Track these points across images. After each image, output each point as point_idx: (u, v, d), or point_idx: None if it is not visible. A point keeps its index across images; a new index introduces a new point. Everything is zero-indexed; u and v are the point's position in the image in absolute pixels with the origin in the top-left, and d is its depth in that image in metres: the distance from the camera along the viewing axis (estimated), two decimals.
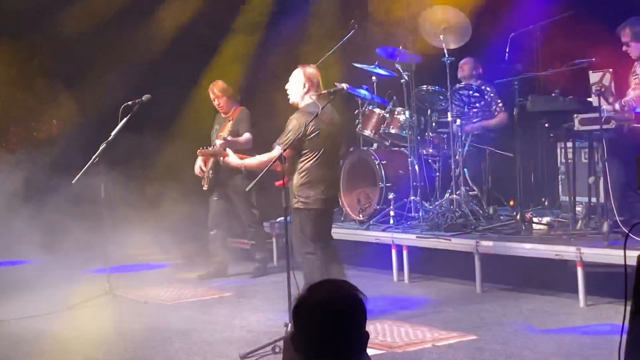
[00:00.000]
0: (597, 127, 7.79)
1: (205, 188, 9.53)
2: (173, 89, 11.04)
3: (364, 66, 10.08)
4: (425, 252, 8.96)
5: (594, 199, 8.29)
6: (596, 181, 8.16)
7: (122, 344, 7.01)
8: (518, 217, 8.69)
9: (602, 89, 7.68)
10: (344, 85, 7.63)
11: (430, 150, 9.61)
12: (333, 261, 7.53)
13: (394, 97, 9.83)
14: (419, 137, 9.62)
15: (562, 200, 9.12)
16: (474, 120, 9.95)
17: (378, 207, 9.61)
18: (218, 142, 9.19)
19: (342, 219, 10.16)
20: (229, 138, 9.29)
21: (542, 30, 9.71)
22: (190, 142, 9.78)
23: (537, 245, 8.03)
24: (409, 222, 9.38)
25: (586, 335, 6.63)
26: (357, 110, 10.11)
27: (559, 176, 9.23)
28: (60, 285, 9.14)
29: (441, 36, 9.43)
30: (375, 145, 10.14)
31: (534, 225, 8.70)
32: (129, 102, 8.63)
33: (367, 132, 9.90)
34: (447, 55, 9.32)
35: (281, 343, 6.15)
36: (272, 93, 9.79)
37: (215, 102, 9.69)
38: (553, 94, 8.47)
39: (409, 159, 9.57)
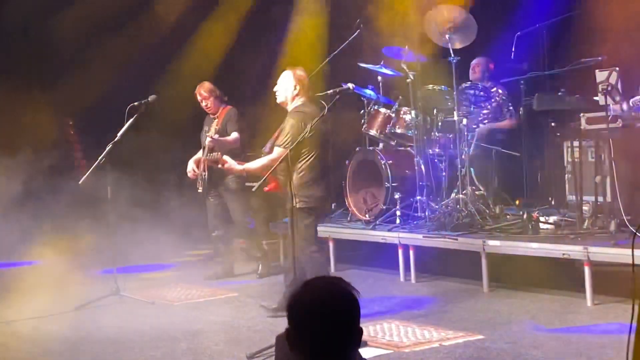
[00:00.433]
0: (604, 125, 7.79)
1: (200, 190, 9.51)
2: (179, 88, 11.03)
3: (370, 66, 10.08)
4: (431, 251, 8.95)
5: (600, 198, 8.27)
6: (603, 180, 8.16)
7: (129, 345, 7.02)
8: (525, 216, 8.67)
9: (609, 88, 7.67)
10: (350, 85, 7.65)
11: (437, 150, 9.60)
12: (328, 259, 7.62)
13: (400, 97, 9.82)
14: (425, 137, 9.61)
15: (569, 200, 9.10)
16: (484, 122, 9.94)
17: (384, 207, 9.60)
18: (207, 140, 9.23)
19: (349, 219, 10.16)
20: (216, 137, 9.25)
21: (548, 29, 9.70)
22: (195, 142, 9.80)
23: (544, 245, 8.02)
24: (415, 222, 9.37)
25: (593, 334, 6.62)
26: (362, 110, 10.12)
27: (566, 175, 9.20)
28: (68, 286, 9.14)
29: (447, 35, 9.42)
30: (381, 145, 10.13)
31: (540, 224, 8.68)
32: (135, 103, 8.63)
33: (373, 132, 9.89)
34: (452, 55, 9.31)
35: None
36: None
37: (203, 104, 9.68)
38: (559, 93, 8.47)
39: (415, 159, 9.55)
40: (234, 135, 9.47)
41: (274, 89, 7.71)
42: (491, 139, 9.73)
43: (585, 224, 8.28)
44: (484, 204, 9.21)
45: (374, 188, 9.90)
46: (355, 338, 2.85)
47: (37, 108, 11.41)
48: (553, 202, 9.63)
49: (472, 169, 9.36)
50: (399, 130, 9.71)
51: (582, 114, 8.11)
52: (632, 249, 3.89)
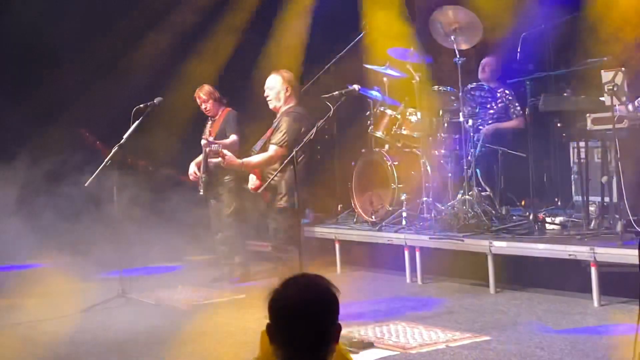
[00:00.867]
0: (610, 126, 7.77)
1: (201, 192, 9.49)
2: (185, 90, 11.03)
3: (375, 67, 10.08)
4: (438, 253, 8.95)
5: (607, 199, 8.26)
6: (609, 181, 8.14)
7: (135, 347, 7.02)
8: (531, 217, 8.66)
9: (615, 88, 7.65)
10: (356, 87, 7.67)
11: (443, 151, 9.59)
12: None
13: (406, 98, 9.81)
14: (430, 138, 9.60)
15: (575, 200, 9.09)
16: (489, 122, 9.92)
17: (390, 209, 9.59)
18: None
19: (355, 220, 10.16)
20: (210, 139, 9.22)
21: (554, 30, 9.68)
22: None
23: (551, 246, 8.01)
24: (421, 223, 9.36)
25: (600, 335, 6.61)
26: (368, 112, 10.12)
27: (572, 176, 9.19)
28: (74, 288, 9.15)
29: (452, 36, 9.41)
30: (387, 146, 10.12)
31: (547, 225, 8.68)
32: (141, 105, 8.64)
33: (379, 133, 9.89)
34: (458, 56, 9.30)
35: None
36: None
37: (203, 107, 9.69)
38: (565, 94, 8.45)
39: (421, 160, 9.54)
40: (232, 137, 9.46)
41: (265, 95, 7.76)
42: (497, 139, 9.71)
43: (592, 224, 8.27)
44: (490, 205, 9.20)
45: (380, 189, 9.89)
46: (333, 333, 2.94)
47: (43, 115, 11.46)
48: (559, 203, 9.61)
49: (478, 170, 9.35)
50: (404, 132, 9.70)
51: (588, 115, 8.09)
52: (639, 249, 3.88)
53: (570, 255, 7.73)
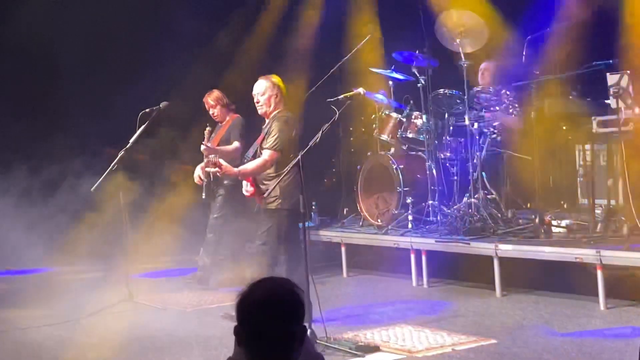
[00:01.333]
0: (616, 129, 7.77)
1: (204, 197, 9.49)
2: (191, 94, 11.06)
3: (381, 71, 10.08)
4: (444, 256, 8.95)
5: (613, 202, 8.25)
6: (615, 183, 8.14)
7: (142, 351, 7.03)
8: (537, 220, 8.65)
9: (620, 91, 7.66)
10: (361, 90, 7.70)
11: (448, 154, 9.59)
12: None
13: (411, 101, 9.82)
14: (436, 141, 9.61)
15: (582, 203, 9.08)
16: (494, 124, 9.89)
17: (396, 212, 9.59)
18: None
19: (361, 224, 10.16)
20: (209, 144, 9.20)
21: (559, 33, 9.68)
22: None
23: (557, 249, 8.01)
24: (427, 227, 9.36)
25: (607, 338, 6.61)
26: (374, 115, 10.12)
27: (578, 179, 9.19)
28: (81, 292, 9.17)
29: (457, 40, 9.41)
30: (392, 149, 10.13)
31: (553, 228, 8.67)
32: (147, 110, 8.66)
33: (385, 137, 9.90)
34: (463, 59, 9.30)
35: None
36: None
37: (211, 112, 9.70)
38: (571, 97, 8.45)
39: (427, 163, 9.55)
40: (235, 144, 9.45)
41: (255, 101, 7.79)
42: (502, 141, 9.68)
43: (598, 227, 8.27)
44: (496, 208, 9.20)
45: (385, 193, 9.90)
46: (298, 335, 3.02)
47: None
48: (565, 206, 9.59)
49: (483, 173, 9.35)
50: (410, 135, 9.71)
51: (593, 117, 8.09)
52: None
53: (576, 258, 7.72)
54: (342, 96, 7.57)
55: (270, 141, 7.49)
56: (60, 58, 11.77)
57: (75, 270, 10.30)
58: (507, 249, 8.27)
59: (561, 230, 8.67)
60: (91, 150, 10.94)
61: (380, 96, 9.88)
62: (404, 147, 10.05)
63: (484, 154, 9.40)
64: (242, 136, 9.52)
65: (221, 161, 7.74)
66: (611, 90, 7.74)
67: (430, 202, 9.48)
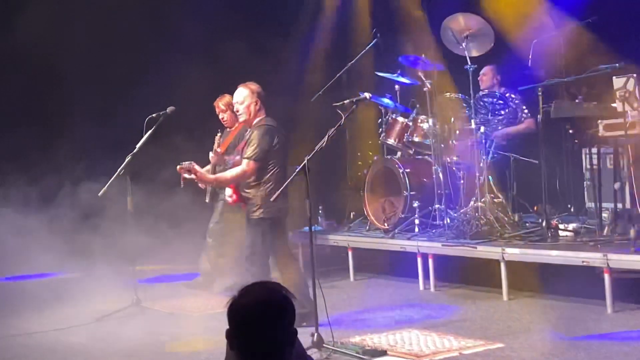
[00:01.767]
0: (622, 132, 7.76)
1: (207, 201, 9.50)
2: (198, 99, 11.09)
3: (387, 75, 10.10)
4: (451, 260, 8.95)
5: (620, 205, 8.25)
6: (622, 187, 8.13)
7: (150, 356, 7.05)
8: (544, 224, 8.65)
9: (626, 94, 7.65)
10: (367, 94, 7.70)
11: (455, 158, 9.59)
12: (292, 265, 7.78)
13: (417, 105, 9.83)
14: (442, 145, 9.61)
15: (588, 207, 9.09)
16: (499, 128, 9.91)
17: (403, 216, 9.60)
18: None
19: (367, 228, 10.17)
20: (219, 150, 9.22)
21: (565, 36, 9.68)
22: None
23: (564, 252, 8.00)
24: (434, 230, 9.37)
25: (614, 341, 6.60)
26: (380, 119, 10.14)
27: (585, 182, 9.19)
28: (89, 297, 9.19)
29: (463, 44, 9.42)
30: (399, 153, 10.14)
31: (560, 232, 8.66)
32: (153, 115, 8.67)
33: (391, 141, 9.91)
34: (469, 63, 9.31)
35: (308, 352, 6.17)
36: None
37: (220, 116, 9.71)
38: (577, 100, 8.45)
39: (433, 167, 9.56)
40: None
41: (235, 109, 7.83)
42: (508, 145, 9.70)
43: (605, 231, 8.27)
44: (503, 212, 9.19)
45: (392, 197, 9.91)
46: (289, 338, 3.07)
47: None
48: (572, 210, 9.61)
49: (490, 177, 9.35)
50: (416, 139, 9.72)
51: (600, 121, 8.08)
52: None
53: (583, 261, 7.72)
54: (347, 101, 7.57)
55: (249, 151, 7.51)
56: (62, 65, 11.80)
57: (82, 275, 10.32)
58: (514, 253, 8.26)
59: (568, 233, 8.66)
60: (96, 155, 10.98)
61: (386, 100, 9.89)
62: (411, 151, 10.06)
63: (490, 157, 9.40)
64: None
65: (196, 167, 7.72)
66: (617, 94, 7.74)
67: (436, 205, 9.48)
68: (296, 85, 11.37)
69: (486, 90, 9.96)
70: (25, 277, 10.72)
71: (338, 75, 10.28)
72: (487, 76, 10.22)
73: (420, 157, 10.03)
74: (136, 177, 8.89)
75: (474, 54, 9.56)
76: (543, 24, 9.94)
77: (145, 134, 8.61)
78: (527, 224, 9.24)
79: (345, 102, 7.64)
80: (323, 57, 11.80)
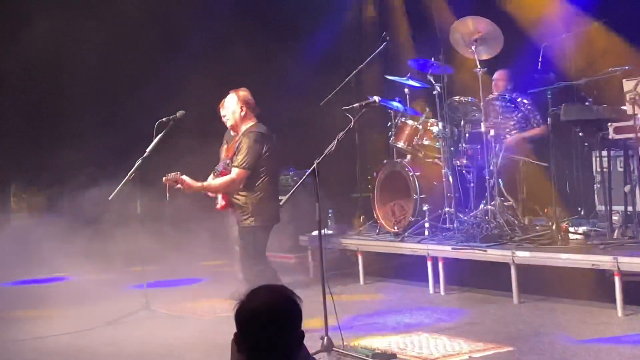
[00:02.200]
0: (632, 135, 7.75)
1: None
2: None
3: (396, 78, 10.10)
4: (460, 263, 8.94)
5: (630, 208, 8.23)
6: (632, 190, 8.11)
7: (159, 359, 7.05)
8: (554, 227, 8.63)
9: (636, 97, 7.64)
10: (376, 98, 7.71)
11: (464, 161, 9.58)
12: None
13: (427, 109, 9.82)
14: (452, 148, 9.61)
15: (599, 210, 9.07)
16: (511, 133, 9.90)
17: (413, 219, 9.59)
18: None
19: (377, 231, 10.16)
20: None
21: (575, 39, 9.67)
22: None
23: (574, 255, 7.98)
24: (444, 234, 9.36)
25: (624, 345, 6.58)
26: (390, 123, 10.14)
27: (595, 185, 9.17)
28: (98, 301, 9.21)
29: (473, 47, 9.41)
30: (408, 157, 10.14)
31: (570, 235, 8.65)
32: (163, 119, 8.68)
33: (401, 144, 9.91)
34: (479, 66, 9.30)
35: (316, 356, 6.17)
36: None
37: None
38: (587, 103, 8.44)
39: (443, 170, 9.55)
40: None
41: (222, 114, 7.84)
42: (519, 149, 9.69)
43: (615, 234, 8.24)
44: (513, 215, 9.18)
45: (402, 200, 9.90)
46: (296, 341, 3.10)
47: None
48: (582, 212, 9.59)
49: (500, 180, 9.34)
50: (426, 142, 9.72)
51: (609, 124, 8.07)
52: None
53: (593, 265, 7.70)
54: (357, 104, 7.58)
55: (239, 159, 7.53)
56: (68, 71, 11.85)
57: (92, 279, 10.35)
58: (524, 256, 8.25)
59: (578, 237, 8.65)
60: (104, 160, 11.02)
61: (395, 104, 9.89)
62: (420, 155, 10.05)
63: (500, 160, 9.38)
64: None
65: (183, 177, 7.72)
66: (627, 97, 7.72)
67: (446, 209, 9.48)
68: (305, 89, 11.35)
69: (496, 93, 9.95)
70: (35, 282, 10.74)
71: (347, 79, 10.28)
72: (502, 81, 10.20)
73: (429, 160, 10.02)
74: (145, 181, 8.91)
75: (484, 56, 9.55)
76: (553, 26, 9.91)
77: (155, 138, 8.63)
78: (537, 227, 9.21)
79: (354, 105, 7.65)
80: (332, 60, 11.79)
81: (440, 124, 9.59)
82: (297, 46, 12.08)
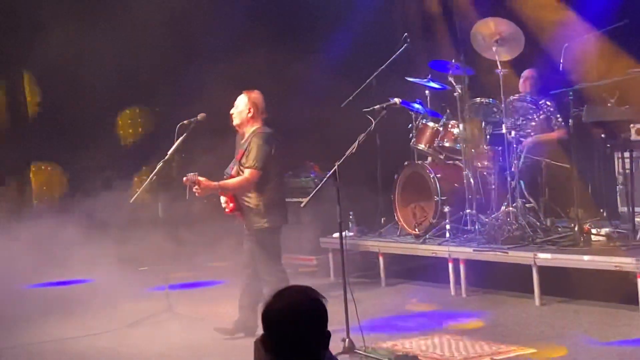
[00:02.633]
0: None
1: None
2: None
3: (417, 80, 10.08)
4: (482, 265, 8.91)
5: None
6: None
7: None
8: (576, 228, 8.59)
9: None
10: (397, 100, 7.70)
11: (486, 163, 9.55)
12: None
13: (448, 110, 9.80)
14: (473, 150, 9.58)
15: (621, 211, 9.02)
16: (532, 134, 9.86)
17: (434, 221, 9.57)
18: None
19: (398, 233, 10.14)
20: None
21: (597, 40, 9.63)
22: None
23: (596, 257, 7.95)
24: (465, 236, 9.33)
25: None
26: (410, 124, 10.13)
27: (617, 187, 9.12)
28: (121, 303, 9.25)
29: (494, 48, 9.38)
30: (429, 158, 10.12)
31: (592, 236, 8.61)
32: (185, 121, 8.70)
33: (421, 146, 9.89)
34: (500, 67, 9.27)
35: (338, 357, 6.17)
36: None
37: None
38: (609, 104, 8.40)
39: (464, 172, 9.52)
40: None
41: (231, 112, 7.88)
42: (539, 151, 9.65)
43: (638, 235, 8.21)
44: (535, 217, 9.14)
45: (423, 202, 9.88)
46: (323, 341, 3.14)
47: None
48: (605, 214, 9.53)
49: (521, 182, 9.30)
50: (447, 144, 9.69)
51: (632, 125, 8.03)
52: None
53: (616, 266, 7.67)
54: (377, 106, 7.57)
55: (250, 159, 7.55)
56: (88, 77, 11.91)
57: (114, 281, 10.37)
58: (546, 258, 8.22)
59: (600, 238, 8.61)
60: (126, 163, 11.07)
61: (416, 105, 9.88)
62: (441, 156, 10.03)
63: (521, 162, 9.35)
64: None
65: (200, 178, 7.74)
66: None
67: (467, 211, 9.44)
68: (326, 91, 11.34)
69: (517, 95, 9.90)
70: (57, 284, 10.79)
71: (368, 80, 10.28)
72: (528, 81, 10.14)
73: (450, 162, 10.00)
74: (167, 184, 8.95)
75: (505, 58, 9.52)
76: (574, 27, 9.87)
77: (176, 140, 8.65)
78: (559, 229, 9.17)
79: (375, 107, 7.64)
80: (353, 62, 11.77)
81: (461, 125, 9.57)
82: (318, 48, 12.06)
